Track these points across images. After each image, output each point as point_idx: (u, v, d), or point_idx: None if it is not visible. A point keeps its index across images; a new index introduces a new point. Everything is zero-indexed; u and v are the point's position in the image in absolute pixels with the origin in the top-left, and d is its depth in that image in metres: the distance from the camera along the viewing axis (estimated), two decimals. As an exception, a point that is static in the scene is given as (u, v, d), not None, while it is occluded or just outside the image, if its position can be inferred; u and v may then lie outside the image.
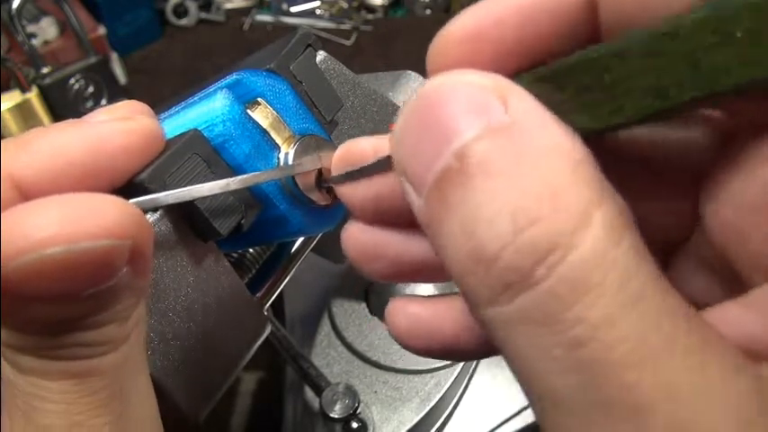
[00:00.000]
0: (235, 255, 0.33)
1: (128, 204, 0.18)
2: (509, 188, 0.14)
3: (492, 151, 0.14)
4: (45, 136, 0.20)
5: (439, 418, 0.56)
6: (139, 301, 0.21)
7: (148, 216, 0.24)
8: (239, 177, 0.24)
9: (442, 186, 0.15)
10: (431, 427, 0.55)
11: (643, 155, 0.19)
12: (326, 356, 0.57)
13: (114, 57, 1.03)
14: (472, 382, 0.58)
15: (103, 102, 0.94)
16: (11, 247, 0.16)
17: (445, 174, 0.15)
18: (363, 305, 0.59)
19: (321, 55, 0.32)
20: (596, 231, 0.14)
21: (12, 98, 0.84)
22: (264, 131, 0.28)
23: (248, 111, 0.27)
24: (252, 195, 0.27)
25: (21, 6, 0.81)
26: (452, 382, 0.55)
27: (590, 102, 0.15)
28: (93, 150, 0.20)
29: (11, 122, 0.84)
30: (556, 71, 0.16)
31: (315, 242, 0.36)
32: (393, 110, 0.36)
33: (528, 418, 0.56)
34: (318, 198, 0.28)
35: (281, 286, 0.34)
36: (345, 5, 1.19)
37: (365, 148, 0.20)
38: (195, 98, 0.28)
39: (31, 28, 0.94)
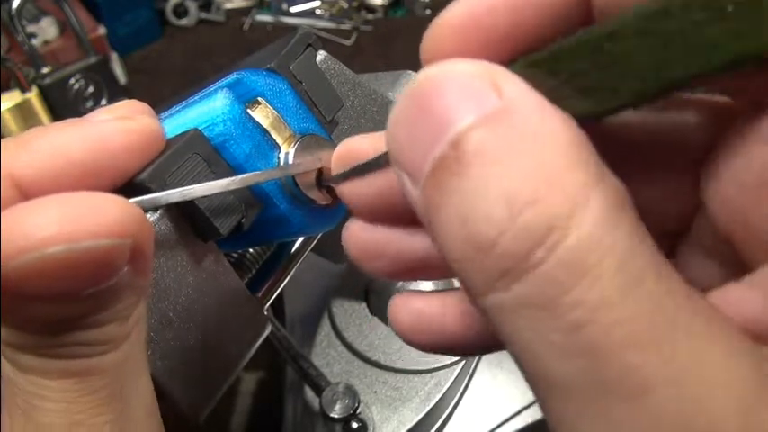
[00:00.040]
0: (235, 255, 0.33)
1: (128, 203, 0.18)
2: (504, 174, 0.14)
3: (487, 139, 0.14)
4: (45, 135, 0.20)
5: (439, 418, 0.56)
6: (140, 299, 0.21)
7: (149, 215, 0.24)
8: (239, 177, 0.24)
9: (438, 176, 0.15)
10: (431, 427, 0.55)
11: (640, 142, 0.19)
12: (326, 356, 0.57)
13: (114, 57, 1.02)
14: (472, 382, 0.58)
15: (103, 102, 0.94)
16: (11, 247, 0.16)
17: (441, 163, 0.15)
18: (363, 305, 0.59)
19: (321, 55, 0.32)
20: (593, 213, 0.14)
21: (12, 98, 0.84)
22: (265, 131, 0.28)
23: (248, 110, 0.27)
24: (252, 195, 0.27)
25: (21, 6, 0.81)
26: (452, 382, 0.55)
27: (584, 86, 0.15)
28: (93, 150, 0.20)
29: (11, 122, 0.84)
30: (548, 56, 0.16)
31: (315, 242, 0.36)
32: (393, 110, 0.36)
33: (528, 418, 0.56)
34: (319, 198, 0.28)
35: (281, 286, 0.34)
36: (345, 5, 1.19)
37: (364, 145, 0.20)
38: (195, 98, 0.28)
39: (31, 28, 0.94)
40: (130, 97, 0.24)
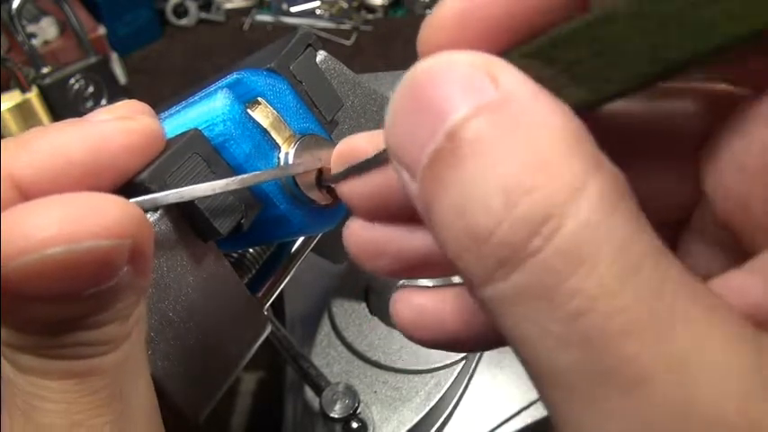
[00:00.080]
0: (235, 255, 0.33)
1: (128, 204, 0.18)
2: (501, 164, 0.14)
3: (483, 129, 0.14)
4: (45, 135, 0.20)
5: (439, 418, 0.56)
6: (140, 300, 0.21)
7: (149, 216, 0.24)
8: (239, 177, 0.24)
9: (436, 167, 0.15)
10: (431, 427, 0.55)
11: (639, 132, 0.18)
12: (326, 356, 0.57)
13: (114, 57, 1.02)
14: (472, 382, 0.58)
15: (103, 102, 0.93)
16: (11, 247, 0.16)
17: (438, 155, 0.15)
18: (363, 305, 0.59)
19: (321, 55, 0.32)
20: (591, 201, 0.13)
21: (12, 98, 0.84)
22: (265, 131, 0.28)
23: (248, 110, 0.27)
24: (252, 195, 0.27)
25: (21, 6, 0.81)
26: (452, 382, 0.55)
27: (580, 73, 0.15)
28: (93, 150, 0.20)
29: (11, 122, 0.84)
30: (544, 45, 0.15)
31: (315, 242, 0.36)
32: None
33: (528, 418, 0.56)
34: (319, 197, 0.28)
35: (281, 286, 0.34)
36: (345, 5, 1.18)
37: (363, 143, 0.20)
38: (195, 98, 0.28)
39: (31, 28, 0.94)
40: (130, 97, 0.24)
